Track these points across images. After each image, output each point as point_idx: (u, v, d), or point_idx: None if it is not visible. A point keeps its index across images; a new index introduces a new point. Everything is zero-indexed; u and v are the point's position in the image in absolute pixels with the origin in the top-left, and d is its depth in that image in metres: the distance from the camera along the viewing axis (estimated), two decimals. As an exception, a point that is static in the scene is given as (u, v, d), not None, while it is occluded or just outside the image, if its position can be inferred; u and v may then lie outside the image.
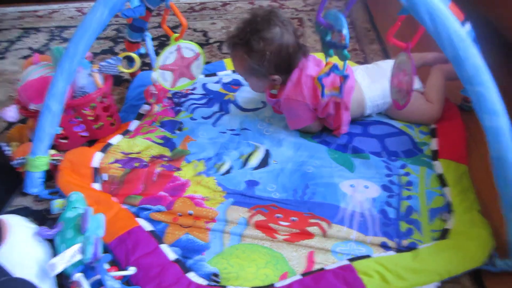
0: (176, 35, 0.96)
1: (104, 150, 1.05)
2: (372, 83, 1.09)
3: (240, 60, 1.02)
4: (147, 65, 1.43)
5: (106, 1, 0.81)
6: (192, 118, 1.17)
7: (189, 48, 1.00)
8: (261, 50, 0.96)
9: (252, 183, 0.96)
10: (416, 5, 0.71)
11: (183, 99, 1.24)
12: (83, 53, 0.86)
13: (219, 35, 1.64)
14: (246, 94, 1.25)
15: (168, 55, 0.98)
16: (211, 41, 1.60)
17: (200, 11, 1.84)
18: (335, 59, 0.97)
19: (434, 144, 1.04)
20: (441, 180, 0.93)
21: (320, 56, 1.11)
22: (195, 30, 1.69)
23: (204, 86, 1.30)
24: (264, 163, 1.01)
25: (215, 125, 1.14)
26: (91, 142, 1.10)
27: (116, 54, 1.55)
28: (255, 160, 1.02)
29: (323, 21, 0.88)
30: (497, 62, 0.85)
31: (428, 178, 0.95)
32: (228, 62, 1.40)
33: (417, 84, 1.11)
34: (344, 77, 0.93)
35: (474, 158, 0.99)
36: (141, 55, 1.20)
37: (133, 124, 1.16)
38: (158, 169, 0.98)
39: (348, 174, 0.97)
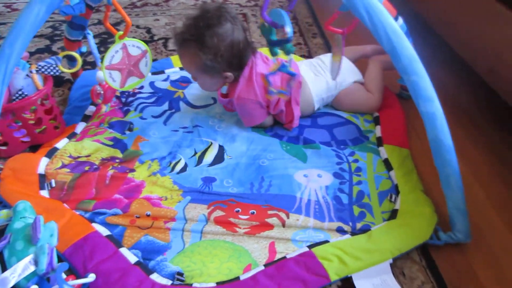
0: (121, 33, 0.93)
1: (49, 155, 1.00)
2: (316, 78, 1.13)
3: (191, 57, 1.00)
4: (89, 64, 1.38)
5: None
6: (142, 118, 1.14)
7: (135, 45, 0.97)
8: (214, 46, 0.96)
9: (208, 180, 0.96)
10: (354, 2, 0.75)
11: (131, 99, 1.21)
12: (19, 54, 0.80)
13: (163, 31, 1.61)
14: (195, 91, 1.24)
15: (114, 54, 0.95)
16: (155, 38, 1.57)
17: (142, 7, 1.79)
18: (283, 57, 0.99)
19: (378, 131, 1.11)
20: (387, 164, 1.00)
21: (266, 52, 1.14)
22: (138, 27, 1.64)
23: (151, 84, 1.27)
24: (219, 159, 1.02)
25: (166, 123, 1.12)
26: (33, 148, 1.03)
27: (53, 53, 1.46)
28: (209, 156, 1.02)
29: (268, 18, 0.90)
30: (427, 53, 0.93)
31: (375, 163, 1.01)
32: (175, 59, 1.39)
33: (357, 75, 1.17)
34: (292, 75, 0.96)
35: (414, 142, 1.07)
36: (82, 54, 1.15)
37: (80, 127, 1.11)
38: (110, 172, 0.95)
39: (301, 165, 1.00)
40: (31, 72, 0.98)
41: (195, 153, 1.03)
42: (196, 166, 1.00)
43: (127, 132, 1.09)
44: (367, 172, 0.98)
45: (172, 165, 0.99)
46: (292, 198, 0.91)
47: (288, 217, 0.86)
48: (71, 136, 1.07)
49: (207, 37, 0.95)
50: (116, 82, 0.99)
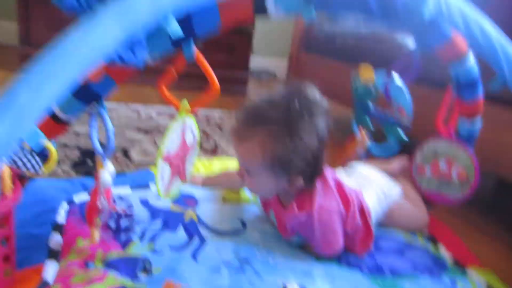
0: (186, 103, 0.59)
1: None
2: (365, 192, 0.94)
3: (262, 145, 0.71)
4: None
5: (120, 12, 0.41)
6: (154, 251, 0.71)
7: (192, 129, 0.63)
8: (301, 138, 0.70)
9: None
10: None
11: (125, 223, 0.77)
12: (44, 107, 0.39)
13: (117, 141, 1.22)
14: (209, 211, 0.88)
15: (174, 137, 0.59)
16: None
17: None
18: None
19: (444, 252, 0.93)
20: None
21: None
22: (78, 134, 1.22)
23: (145, 203, 0.86)
24: (309, 308, 0.66)
25: (196, 259, 0.72)
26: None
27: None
28: (297, 305, 0.65)
29: (387, 90, 0.71)
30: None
31: (484, 293, 0.80)
32: (158, 171, 1.01)
33: (397, 186, 1.02)
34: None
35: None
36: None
37: (50, 269, 0.61)
38: None
39: (414, 304, 0.72)
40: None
41: (273, 302, 0.64)
42: (285, 323, 0.61)
43: (142, 276, 0.64)
44: (490, 305, 0.76)
45: (253, 326, 0.58)
46: None
47: None
48: (42, 287, 0.57)
49: (298, 125, 0.69)
50: (164, 184, 0.60)
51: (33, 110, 0.37)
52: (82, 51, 0.39)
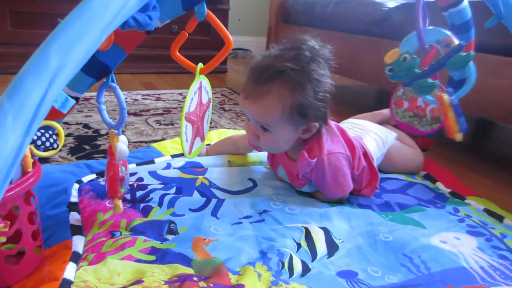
0: (201, 65, 0.60)
1: (63, 297, 0.49)
2: (364, 138, 0.98)
3: (279, 97, 0.71)
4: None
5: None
6: (175, 214, 0.72)
7: (206, 88, 0.64)
8: (317, 83, 0.71)
9: (348, 275, 0.62)
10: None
11: (141, 193, 0.77)
12: (74, 70, 0.38)
13: (104, 126, 1.21)
14: (219, 175, 0.90)
15: (193, 97, 0.59)
16: (102, 132, 1.15)
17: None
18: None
19: (442, 187, 0.98)
20: (494, 215, 0.85)
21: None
22: (67, 123, 1.19)
23: (153, 174, 0.86)
24: (332, 245, 0.69)
25: (217, 216, 0.74)
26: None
27: None
28: (321, 244, 0.68)
29: (425, 44, 0.71)
30: None
31: (485, 215, 0.85)
32: (160, 147, 1.01)
33: (394, 133, 1.07)
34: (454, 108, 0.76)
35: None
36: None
37: (78, 243, 0.62)
38: (205, 298, 0.51)
39: (426, 232, 0.76)
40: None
41: (298, 243, 0.67)
42: (314, 260, 0.64)
43: (170, 237, 0.66)
44: (494, 223, 0.81)
45: (286, 265, 0.61)
46: (463, 270, 0.65)
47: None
48: (76, 258, 0.58)
49: (312, 69, 0.70)
50: (188, 143, 0.61)
51: (64, 75, 0.37)
52: (108, 12, 0.39)
